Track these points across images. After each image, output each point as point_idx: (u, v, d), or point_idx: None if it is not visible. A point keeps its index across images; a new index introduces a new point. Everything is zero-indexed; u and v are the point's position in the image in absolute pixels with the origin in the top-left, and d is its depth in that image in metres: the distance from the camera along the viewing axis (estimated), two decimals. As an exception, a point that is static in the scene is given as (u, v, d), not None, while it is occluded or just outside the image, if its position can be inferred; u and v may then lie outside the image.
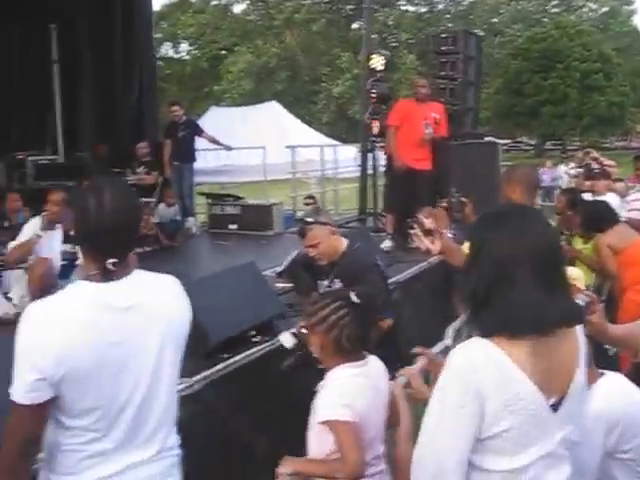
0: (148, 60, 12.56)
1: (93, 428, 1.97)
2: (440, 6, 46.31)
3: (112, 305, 1.95)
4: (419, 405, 2.28)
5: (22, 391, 1.87)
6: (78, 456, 1.98)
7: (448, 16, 45.14)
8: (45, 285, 5.56)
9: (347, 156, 12.96)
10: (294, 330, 3.19)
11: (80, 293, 1.98)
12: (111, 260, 1.95)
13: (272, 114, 22.24)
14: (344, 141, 20.59)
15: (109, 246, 1.97)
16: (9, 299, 6.18)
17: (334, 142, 18.99)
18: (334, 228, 4.12)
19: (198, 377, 4.00)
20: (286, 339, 3.16)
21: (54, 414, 1.96)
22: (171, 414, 2.16)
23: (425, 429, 1.81)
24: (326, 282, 4.17)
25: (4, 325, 5.93)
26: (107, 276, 1.97)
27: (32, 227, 5.68)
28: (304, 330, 2.77)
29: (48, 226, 5.68)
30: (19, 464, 1.94)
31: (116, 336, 1.95)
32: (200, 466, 2.27)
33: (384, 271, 4.49)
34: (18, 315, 5.48)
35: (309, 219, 3.87)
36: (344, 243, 4.14)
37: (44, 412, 1.93)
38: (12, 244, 5.71)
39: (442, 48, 10.71)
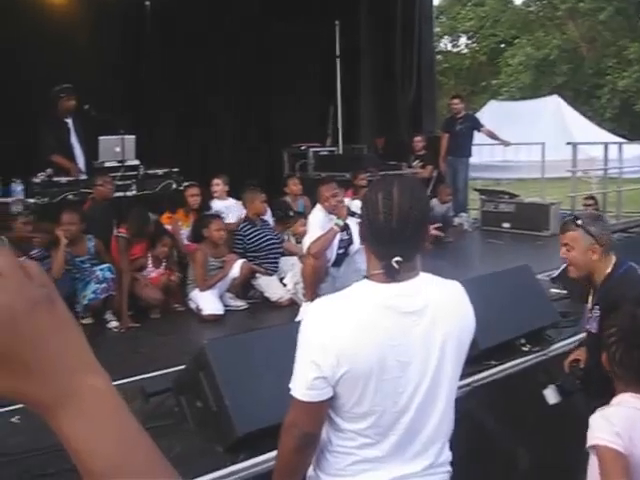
0: (427, 54, 12.54)
1: (367, 433, 1.93)
2: None
3: (396, 308, 1.88)
4: None
5: (302, 388, 1.87)
6: (349, 459, 1.95)
7: None
8: (319, 274, 5.71)
9: (633, 154, 11.95)
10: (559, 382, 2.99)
11: (364, 293, 1.93)
12: (396, 259, 1.86)
13: (553, 109, 21.25)
14: (628, 138, 19.14)
15: (395, 244, 1.89)
16: (284, 285, 6.49)
17: (618, 139, 17.73)
18: (598, 246, 3.34)
19: (461, 383, 3.84)
20: (550, 395, 2.99)
21: (329, 414, 1.95)
22: (447, 426, 2.04)
23: None
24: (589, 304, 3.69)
25: (278, 308, 6.27)
26: (391, 276, 1.89)
27: (318, 218, 5.78)
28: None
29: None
30: (295, 458, 1.96)
31: (398, 340, 1.88)
32: (458, 478, 2.15)
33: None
34: (291, 301, 5.76)
35: (579, 221, 3.39)
36: (610, 263, 3.33)
37: (322, 411, 1.92)
38: (307, 238, 5.79)
39: None
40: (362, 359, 1.84)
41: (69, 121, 7.87)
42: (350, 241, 5.80)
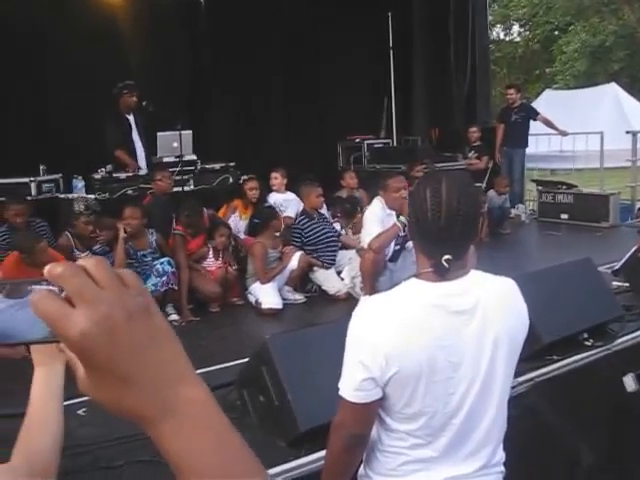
0: (482, 44, 12.38)
1: (418, 434, 1.91)
2: None
3: (447, 307, 1.84)
4: None
5: (351, 388, 1.85)
6: (400, 459, 1.94)
7: None
8: (377, 268, 5.70)
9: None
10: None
11: (414, 292, 1.90)
12: (446, 257, 1.83)
13: (611, 97, 20.76)
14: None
15: (444, 242, 1.85)
16: (341, 278, 6.50)
17: (679, 126, 17.26)
18: None
19: (522, 379, 3.79)
20: (629, 383, 2.95)
21: (380, 414, 1.93)
22: (500, 426, 2.00)
23: None
24: None
25: (336, 302, 6.28)
26: (441, 274, 1.85)
27: (376, 212, 5.75)
28: None
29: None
30: (343, 458, 1.96)
31: (449, 340, 1.84)
32: (518, 474, 2.12)
33: None
34: (348, 294, 5.76)
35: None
36: None
37: (371, 411, 1.90)
38: (366, 233, 5.76)
39: None
40: (411, 360, 1.81)
41: (130, 117, 8.02)
42: (407, 238, 5.77)
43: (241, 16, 10.06)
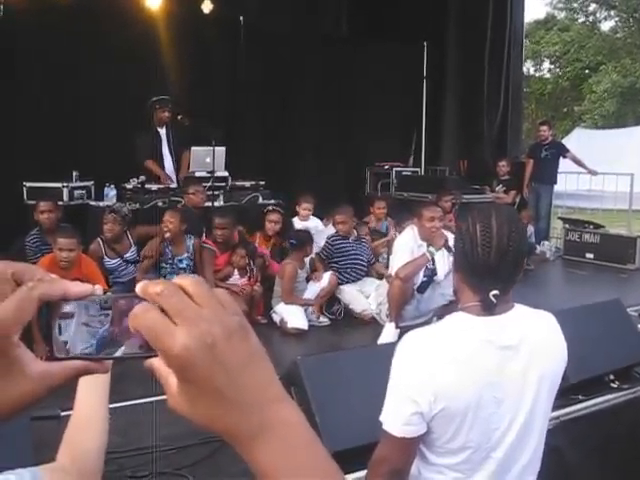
0: (516, 78, 12.40)
1: (458, 468, 1.90)
2: None
3: (494, 343, 1.84)
4: None
5: (398, 423, 1.84)
6: None
7: None
8: (404, 296, 5.70)
9: None
10: None
11: (462, 327, 1.89)
12: (494, 292, 1.83)
13: (640, 139, 20.76)
14: None
15: (493, 277, 1.86)
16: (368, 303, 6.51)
17: None
18: None
19: (549, 416, 3.78)
20: None
21: (421, 448, 1.92)
22: (537, 462, 1.99)
23: None
24: None
25: (360, 326, 6.30)
26: (489, 309, 1.85)
27: (407, 241, 5.75)
28: None
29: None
30: None
31: (496, 376, 1.84)
32: None
33: None
34: (373, 319, 5.75)
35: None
36: None
37: (414, 446, 1.89)
38: (395, 260, 5.78)
39: None
40: (460, 396, 1.81)
41: (162, 131, 8.09)
42: (434, 272, 5.76)
43: (275, 37, 10.20)
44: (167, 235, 6.10)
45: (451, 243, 5.50)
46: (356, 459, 2.44)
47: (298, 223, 7.72)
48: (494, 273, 1.85)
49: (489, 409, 1.85)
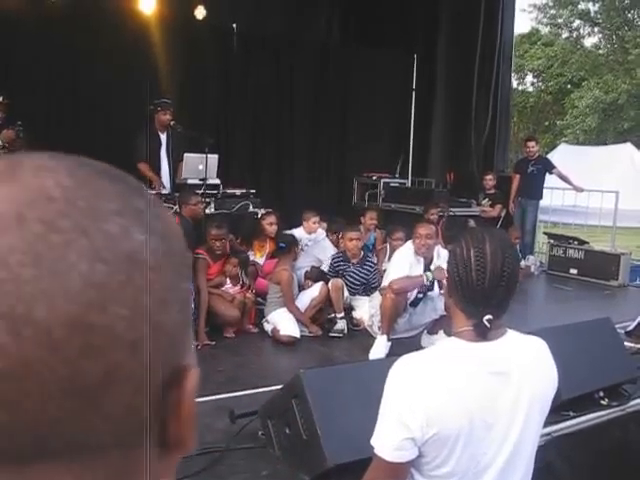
0: (504, 92, 12.50)
1: None
2: None
3: (487, 369, 1.86)
4: None
5: (390, 447, 1.83)
6: None
7: None
8: (397, 309, 5.74)
9: None
10: None
11: (455, 353, 1.90)
12: (487, 317, 1.85)
13: (626, 156, 20.91)
14: None
15: (487, 302, 1.87)
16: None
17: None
18: None
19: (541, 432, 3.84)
20: None
21: (410, 471, 1.91)
22: None
23: None
24: None
25: (351, 338, 6.33)
26: (482, 334, 1.87)
27: (406, 255, 5.78)
28: None
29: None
30: None
31: (488, 402, 1.85)
32: None
33: None
34: (365, 330, 5.76)
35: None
36: None
37: (406, 470, 1.88)
38: (391, 272, 5.80)
39: None
40: (453, 421, 1.81)
41: (163, 135, 8.06)
42: (431, 287, 5.81)
43: (267, 45, 10.26)
44: None
45: (442, 254, 5.57)
46: (358, 472, 2.47)
47: (303, 234, 7.75)
48: (488, 298, 1.86)
49: (479, 434, 1.85)
